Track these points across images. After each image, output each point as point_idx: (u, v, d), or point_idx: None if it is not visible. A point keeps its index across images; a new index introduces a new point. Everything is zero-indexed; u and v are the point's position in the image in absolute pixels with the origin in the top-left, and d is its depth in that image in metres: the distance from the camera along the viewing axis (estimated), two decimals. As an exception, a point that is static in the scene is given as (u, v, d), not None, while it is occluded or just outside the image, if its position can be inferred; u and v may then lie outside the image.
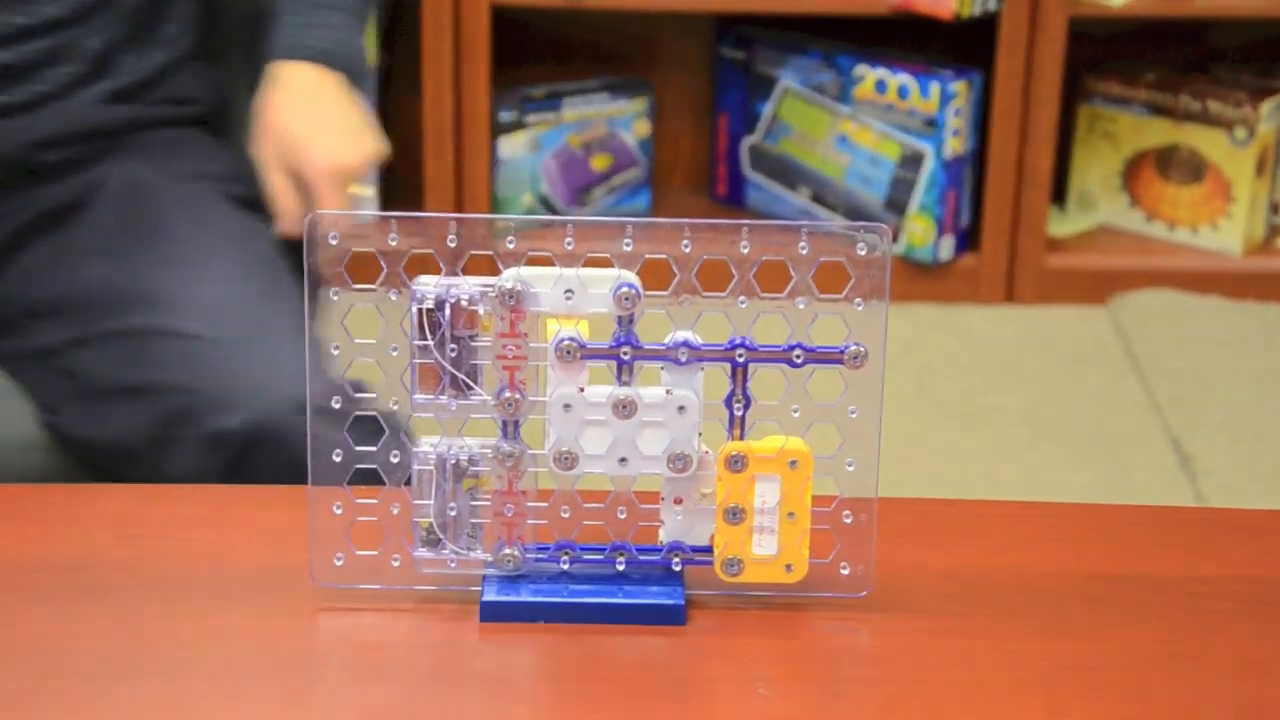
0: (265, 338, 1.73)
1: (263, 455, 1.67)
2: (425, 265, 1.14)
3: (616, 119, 3.20)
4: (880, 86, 3.08)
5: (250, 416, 1.66)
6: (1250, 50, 3.28)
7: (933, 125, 3.04)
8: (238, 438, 1.67)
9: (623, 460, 1.17)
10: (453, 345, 1.16)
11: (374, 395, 1.17)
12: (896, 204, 3.10)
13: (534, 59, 3.22)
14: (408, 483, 1.18)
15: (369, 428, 1.74)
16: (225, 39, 1.97)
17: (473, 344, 1.16)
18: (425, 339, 1.15)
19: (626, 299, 1.15)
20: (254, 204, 1.85)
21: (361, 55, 1.87)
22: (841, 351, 1.16)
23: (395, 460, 1.18)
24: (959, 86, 3.03)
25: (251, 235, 1.84)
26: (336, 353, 1.16)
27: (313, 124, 1.81)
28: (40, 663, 1.14)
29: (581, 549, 1.20)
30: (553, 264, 1.15)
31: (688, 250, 1.15)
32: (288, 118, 1.81)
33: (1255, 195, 3.14)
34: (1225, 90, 3.13)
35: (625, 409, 1.16)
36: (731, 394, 1.17)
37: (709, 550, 1.19)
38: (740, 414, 1.17)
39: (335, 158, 1.79)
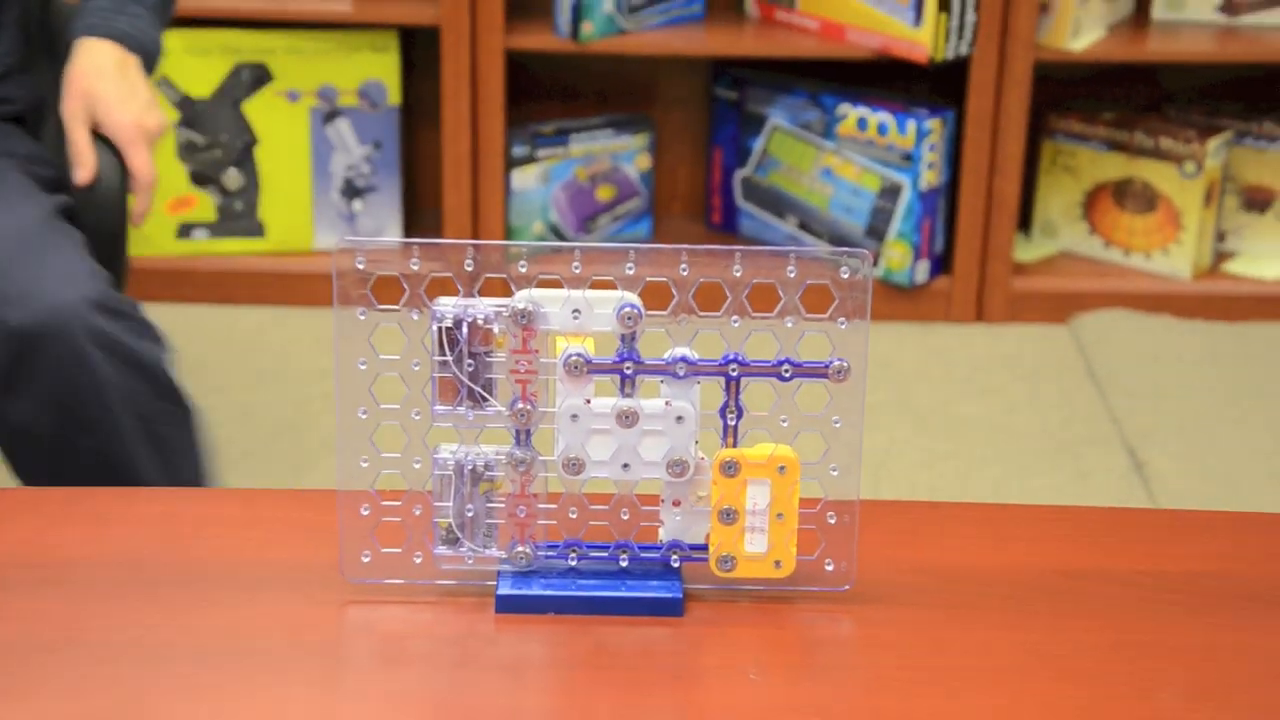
0: (50, 254, 1.79)
1: (47, 348, 1.72)
2: (444, 287, 1.15)
3: (620, 153, 3.20)
4: (861, 124, 3.08)
5: (34, 312, 1.72)
6: (1199, 92, 3.28)
7: (909, 159, 3.04)
8: (23, 331, 1.71)
9: (626, 466, 1.17)
10: (470, 360, 1.16)
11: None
12: (876, 231, 3.10)
13: (544, 99, 3.22)
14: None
15: (141, 329, 1.80)
16: (37, 53, 2.03)
17: (488, 359, 1.16)
18: (445, 355, 1.15)
19: (629, 318, 1.15)
20: (53, 186, 1.92)
21: (158, 45, 1.97)
22: (826, 366, 1.16)
23: (417, 466, 1.18)
24: (933, 124, 3.03)
25: (44, 200, 1.88)
26: (364, 367, 1.16)
27: (119, 90, 1.90)
28: (96, 650, 1.14)
29: (588, 547, 1.19)
30: (561, 286, 1.15)
31: (685, 273, 1.15)
32: (96, 81, 1.90)
33: (1203, 224, 3.14)
34: (1176, 128, 3.14)
35: (628, 419, 1.16)
36: (725, 405, 1.17)
37: (705, 548, 1.19)
38: (733, 423, 1.17)
39: (141, 119, 1.91)
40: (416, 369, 1.16)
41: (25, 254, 1.78)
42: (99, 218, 1.93)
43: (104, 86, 1.90)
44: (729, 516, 1.17)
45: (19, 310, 1.72)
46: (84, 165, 1.89)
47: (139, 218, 1.96)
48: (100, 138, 1.93)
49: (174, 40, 2.98)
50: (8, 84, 1.98)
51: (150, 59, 1.95)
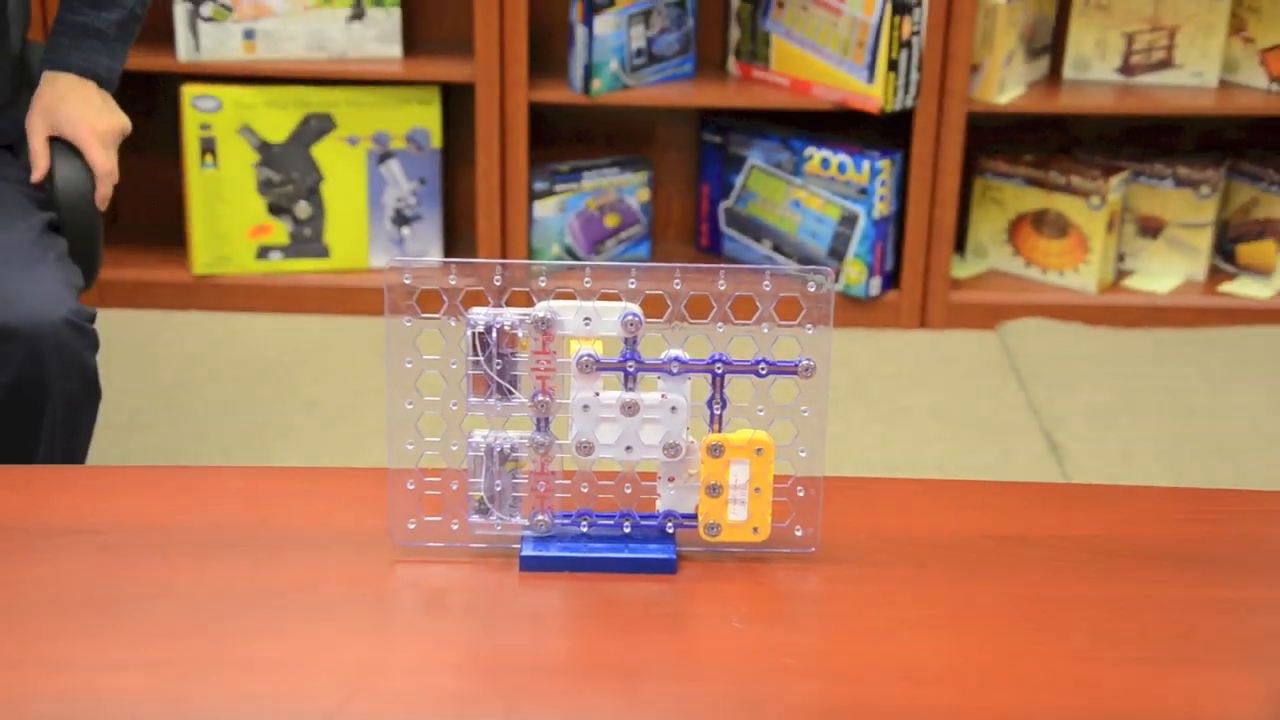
0: (37, 268, 1.78)
1: (15, 348, 1.72)
2: (477, 299, 1.14)
3: (624, 188, 3.19)
4: (824, 163, 3.07)
5: (14, 316, 1.72)
6: (1102, 139, 3.27)
7: (864, 193, 3.03)
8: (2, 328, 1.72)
9: (628, 448, 1.16)
10: (498, 360, 1.15)
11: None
12: (837, 252, 3.09)
13: (561, 143, 3.22)
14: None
15: (90, 340, 1.78)
16: (21, 89, 2.01)
17: (514, 359, 1.15)
18: (477, 355, 1.15)
19: (631, 324, 1.14)
20: (42, 204, 1.91)
21: (110, 70, 1.97)
22: (796, 365, 1.15)
23: (454, 448, 1.17)
24: (884, 163, 3.02)
25: (36, 218, 1.87)
26: (410, 366, 1.15)
27: (79, 104, 1.92)
28: (188, 600, 1.13)
29: (597, 516, 1.19)
30: (575, 298, 1.14)
31: (678, 288, 1.14)
32: (59, 101, 1.91)
33: (1106, 247, 3.13)
34: (1084, 168, 3.13)
35: (630, 409, 1.16)
36: (712, 397, 1.16)
37: (694, 517, 1.18)
38: (719, 413, 1.16)
39: (93, 123, 1.92)
40: (454, 367, 1.16)
41: (16, 265, 1.77)
42: (79, 221, 1.94)
43: (64, 105, 1.92)
44: (715, 490, 1.17)
45: (3, 310, 1.72)
46: (39, 166, 1.91)
47: (102, 202, 1.96)
48: (77, 158, 1.94)
49: (255, 95, 2.97)
50: (2, 119, 1.97)
51: (104, 83, 1.96)
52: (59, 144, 1.93)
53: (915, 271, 3.09)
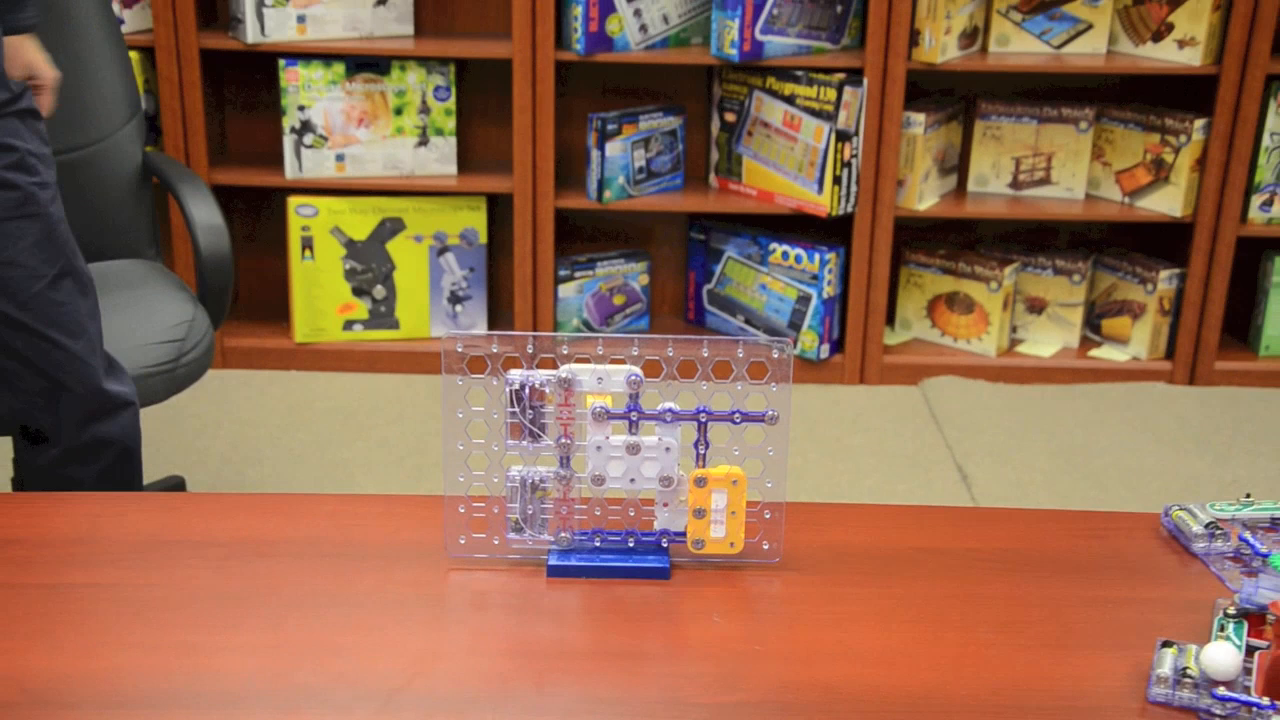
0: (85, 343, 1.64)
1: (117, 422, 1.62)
2: (514, 363, 1.14)
3: (628, 274, 3.20)
4: (785, 255, 3.07)
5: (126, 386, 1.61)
6: (998, 237, 3.28)
7: (816, 279, 3.03)
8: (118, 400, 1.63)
9: (632, 480, 1.16)
10: (530, 411, 1.14)
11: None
12: (795, 325, 3.09)
13: (579, 239, 3.22)
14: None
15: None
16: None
17: (542, 410, 1.15)
18: (514, 407, 1.14)
19: (634, 383, 1.14)
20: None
21: (40, 22, 1.75)
22: (764, 415, 1.15)
23: (496, 480, 1.17)
24: (831, 256, 3.03)
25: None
26: (461, 415, 1.15)
27: (36, 56, 1.73)
28: (285, 599, 1.12)
29: (607, 534, 1.18)
30: (590, 362, 1.14)
31: (671, 354, 1.14)
32: (27, 54, 1.72)
33: (1003, 321, 3.13)
34: (984, 260, 3.14)
35: (634, 449, 1.15)
36: (698, 440, 1.16)
37: (684, 534, 1.18)
38: (703, 452, 1.16)
39: (49, 71, 1.73)
40: (495, 417, 1.15)
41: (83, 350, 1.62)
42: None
43: (30, 56, 1.73)
44: (700, 514, 1.16)
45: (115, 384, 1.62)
46: (44, 105, 1.73)
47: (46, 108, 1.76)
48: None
49: (343, 204, 2.98)
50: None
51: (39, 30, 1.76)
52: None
53: (855, 340, 3.08)
